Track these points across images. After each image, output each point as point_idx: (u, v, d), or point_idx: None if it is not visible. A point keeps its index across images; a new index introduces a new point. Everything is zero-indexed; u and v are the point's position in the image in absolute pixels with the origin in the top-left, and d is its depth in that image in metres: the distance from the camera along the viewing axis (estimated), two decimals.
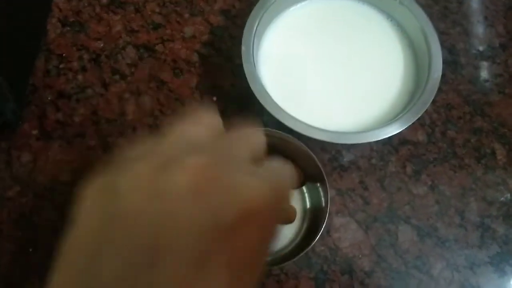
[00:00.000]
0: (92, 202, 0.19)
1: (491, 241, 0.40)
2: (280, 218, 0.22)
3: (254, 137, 0.23)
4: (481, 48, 0.47)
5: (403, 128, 0.36)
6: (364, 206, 0.41)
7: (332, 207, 0.41)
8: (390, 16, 0.42)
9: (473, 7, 0.49)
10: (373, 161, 0.42)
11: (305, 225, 0.38)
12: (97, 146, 0.42)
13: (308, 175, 0.33)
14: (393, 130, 0.36)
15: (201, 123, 0.21)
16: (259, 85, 0.37)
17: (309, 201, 0.39)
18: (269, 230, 0.20)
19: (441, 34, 0.47)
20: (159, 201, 0.17)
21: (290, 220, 0.32)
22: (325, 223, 0.34)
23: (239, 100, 0.43)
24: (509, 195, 0.42)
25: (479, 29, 0.48)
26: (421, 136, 0.43)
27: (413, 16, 0.39)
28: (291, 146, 0.34)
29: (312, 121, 0.38)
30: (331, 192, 0.41)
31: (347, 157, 0.42)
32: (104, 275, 0.17)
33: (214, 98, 0.44)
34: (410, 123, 0.37)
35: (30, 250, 0.38)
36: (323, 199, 0.36)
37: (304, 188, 0.39)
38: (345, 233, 0.40)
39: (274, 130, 0.34)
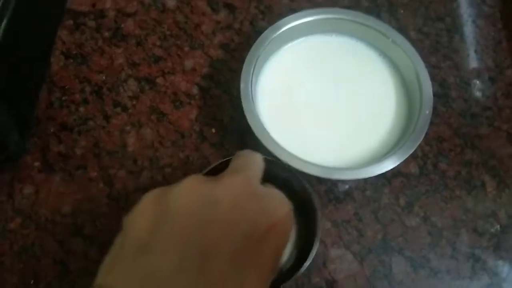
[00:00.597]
0: (145, 206, 0.23)
1: (482, 272, 0.41)
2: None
3: (259, 159, 0.29)
4: (471, 82, 0.49)
5: (396, 164, 0.38)
6: (359, 238, 0.42)
7: (328, 239, 0.42)
8: (383, 53, 0.43)
9: (463, 41, 0.51)
10: (368, 193, 0.43)
11: (295, 252, 0.39)
12: (98, 178, 0.43)
13: (300, 202, 0.36)
14: (387, 166, 0.38)
15: (254, 165, 0.29)
16: (257, 121, 0.39)
17: (302, 228, 0.40)
18: (287, 237, 0.24)
19: (432, 67, 0.49)
20: (205, 208, 0.21)
21: None
22: (316, 249, 0.35)
23: (238, 133, 0.45)
24: (498, 226, 0.43)
25: (469, 63, 0.49)
26: (413, 169, 0.44)
27: (406, 55, 0.41)
28: (286, 174, 0.37)
29: (308, 155, 0.39)
30: (327, 224, 0.42)
31: (342, 189, 0.43)
32: (162, 267, 0.20)
33: (213, 130, 0.45)
34: (403, 159, 0.38)
35: (32, 282, 0.39)
36: (316, 226, 0.37)
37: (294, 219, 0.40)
38: (341, 265, 0.41)
39: (271, 158, 0.36)
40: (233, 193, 0.23)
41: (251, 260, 0.21)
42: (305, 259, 0.35)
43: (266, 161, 0.36)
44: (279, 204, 0.24)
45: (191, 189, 0.23)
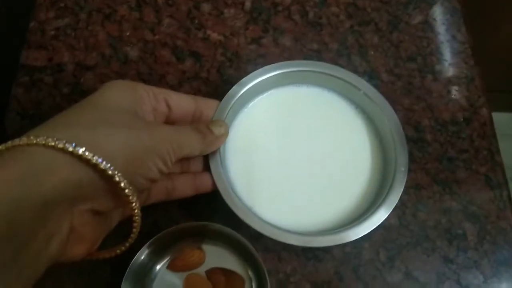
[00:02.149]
0: None
1: None
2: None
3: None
4: (445, 124, 0.47)
5: (375, 226, 0.36)
6: None
7: None
8: (357, 105, 0.42)
9: (436, 80, 0.50)
10: (347, 249, 0.42)
11: None
12: None
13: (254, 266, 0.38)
14: (366, 228, 0.36)
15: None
16: (227, 187, 0.37)
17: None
18: None
19: (406, 110, 0.48)
20: None
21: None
22: None
23: (208, 194, 0.42)
24: (482, 277, 0.42)
25: (443, 104, 0.48)
26: (392, 219, 0.43)
27: (379, 109, 0.39)
28: (234, 236, 0.37)
29: (281, 218, 0.37)
30: (306, 286, 0.40)
31: (321, 247, 0.42)
32: None
33: None
34: (382, 221, 0.36)
35: None
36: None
37: (252, 280, 0.39)
38: None
39: (214, 224, 0.37)
40: None
41: None
42: None
43: (223, 228, 0.37)
44: None
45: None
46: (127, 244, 0.32)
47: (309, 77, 0.41)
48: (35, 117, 0.44)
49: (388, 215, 0.40)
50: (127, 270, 0.35)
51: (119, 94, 0.31)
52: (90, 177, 0.26)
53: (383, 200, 0.37)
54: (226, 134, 0.37)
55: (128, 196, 0.28)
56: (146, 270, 0.38)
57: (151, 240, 0.36)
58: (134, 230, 0.31)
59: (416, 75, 0.50)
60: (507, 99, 1.24)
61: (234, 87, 0.40)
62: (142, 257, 0.37)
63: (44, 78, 0.46)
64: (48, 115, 0.44)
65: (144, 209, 0.41)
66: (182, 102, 0.36)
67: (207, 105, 0.38)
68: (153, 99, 0.33)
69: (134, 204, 0.28)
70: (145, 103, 0.33)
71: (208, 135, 0.35)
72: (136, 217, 0.30)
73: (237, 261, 0.39)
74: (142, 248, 0.36)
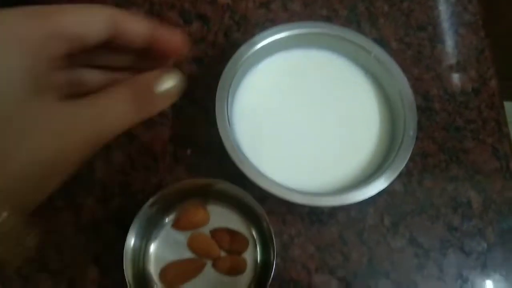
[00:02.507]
0: None
1: None
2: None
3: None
4: (454, 94, 0.47)
5: (382, 188, 0.36)
6: (344, 263, 0.40)
7: (312, 264, 0.40)
8: (367, 70, 0.41)
9: (446, 51, 0.49)
10: (352, 213, 0.42)
11: (255, 278, 0.38)
12: (64, 207, 0.40)
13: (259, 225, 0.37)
14: (372, 190, 0.36)
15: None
16: (234, 144, 0.36)
17: (260, 254, 0.39)
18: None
19: (415, 79, 0.47)
20: None
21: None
22: (271, 276, 0.34)
23: (215, 153, 0.42)
24: (485, 244, 0.42)
25: (452, 74, 0.48)
26: (397, 186, 0.43)
27: (388, 72, 0.39)
28: (239, 195, 0.37)
29: (287, 178, 0.37)
30: (310, 249, 0.40)
31: (325, 210, 0.42)
32: None
33: (189, 152, 0.42)
34: (388, 183, 0.36)
35: None
36: (272, 252, 0.36)
37: (257, 241, 0.39)
38: None
39: (224, 181, 0.36)
40: None
41: None
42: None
43: (228, 186, 0.36)
44: None
45: None
46: None
47: (319, 40, 0.41)
48: None
49: (394, 182, 0.40)
50: (131, 226, 0.35)
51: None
52: None
53: (390, 164, 0.37)
54: (175, 93, 0.25)
55: None
56: (150, 228, 0.38)
57: (155, 196, 0.36)
58: None
59: (426, 45, 0.49)
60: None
61: (242, 46, 0.39)
62: (147, 214, 0.36)
63: None
64: None
65: (149, 169, 0.41)
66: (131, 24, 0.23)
67: (169, 37, 0.25)
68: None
69: None
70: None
71: (145, 97, 0.23)
72: None
73: (242, 222, 0.39)
74: (147, 203, 0.36)
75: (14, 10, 0.19)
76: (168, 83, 0.24)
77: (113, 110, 0.22)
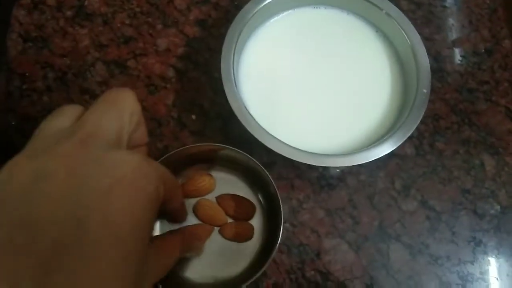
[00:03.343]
0: None
1: (483, 255, 0.39)
2: (158, 195, 0.22)
3: (122, 103, 0.23)
4: (466, 54, 0.46)
5: (393, 148, 0.35)
6: (354, 226, 0.39)
7: (321, 228, 0.39)
8: (377, 28, 0.40)
9: (457, 10, 0.47)
10: (362, 177, 0.41)
11: (262, 242, 0.37)
12: None
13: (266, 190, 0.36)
14: (383, 150, 0.35)
15: (62, 114, 0.22)
16: (241, 105, 0.35)
17: (268, 217, 0.38)
18: (146, 194, 0.20)
19: (426, 40, 0.45)
20: (37, 186, 0.18)
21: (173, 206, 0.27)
22: (279, 240, 0.34)
23: (220, 118, 0.41)
24: (499, 207, 0.41)
25: (464, 34, 0.46)
26: (409, 149, 0.42)
27: (401, 29, 0.37)
28: (246, 161, 0.36)
29: (297, 140, 0.36)
30: (319, 213, 0.39)
31: (334, 174, 0.41)
32: None
33: (193, 117, 0.41)
34: (400, 143, 0.35)
35: None
36: (279, 217, 0.35)
37: (264, 206, 0.38)
38: (336, 256, 0.38)
39: (226, 146, 0.35)
40: (66, 163, 0.19)
41: (96, 227, 0.18)
42: (271, 250, 0.34)
43: (234, 152, 0.35)
44: (123, 159, 0.20)
45: (19, 169, 0.19)
46: None
47: None
48: (38, 40, 0.42)
49: (405, 145, 0.39)
50: None
51: None
52: None
53: (403, 123, 0.35)
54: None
55: None
56: None
57: (159, 161, 0.35)
58: None
59: (437, 4, 0.47)
60: None
61: (247, 4, 0.38)
62: None
63: (46, 0, 0.44)
64: (51, 38, 0.43)
65: (154, 135, 0.40)
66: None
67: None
68: None
69: None
70: None
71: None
72: None
73: (248, 188, 0.38)
74: None
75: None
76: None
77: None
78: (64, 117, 0.22)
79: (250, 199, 0.38)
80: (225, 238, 0.37)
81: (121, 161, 0.20)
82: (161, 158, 0.35)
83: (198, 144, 0.36)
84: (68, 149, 0.20)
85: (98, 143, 0.20)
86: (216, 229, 0.37)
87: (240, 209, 0.38)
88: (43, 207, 0.18)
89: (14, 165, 0.19)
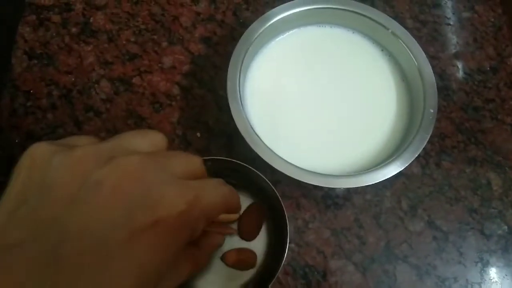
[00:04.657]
0: (26, 166, 0.19)
1: (491, 276, 0.39)
2: (194, 235, 0.21)
3: (191, 158, 0.23)
4: (471, 72, 0.45)
5: (401, 169, 0.34)
6: (360, 247, 0.39)
7: (327, 249, 0.38)
8: (383, 47, 0.40)
9: (462, 28, 0.47)
10: (368, 196, 0.40)
11: (267, 262, 0.36)
12: None
13: (271, 208, 0.36)
14: (390, 171, 0.34)
15: (146, 137, 0.22)
16: (246, 124, 0.35)
17: (274, 236, 0.37)
18: (175, 242, 0.20)
19: (431, 58, 0.45)
20: (83, 189, 0.18)
21: (213, 244, 0.29)
22: (284, 259, 0.33)
23: (225, 136, 0.41)
24: (506, 227, 0.40)
25: (469, 52, 0.46)
26: (415, 168, 0.41)
27: (406, 48, 0.37)
28: (253, 177, 0.35)
29: (303, 160, 0.35)
30: (326, 233, 0.39)
31: (340, 194, 0.40)
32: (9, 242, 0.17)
33: (198, 134, 0.41)
34: (408, 163, 0.35)
35: None
36: (285, 232, 0.34)
37: (270, 225, 0.37)
38: (342, 277, 0.38)
39: (235, 161, 0.35)
40: (118, 175, 0.19)
41: (118, 256, 0.18)
42: (275, 270, 0.33)
43: (239, 166, 0.35)
44: (170, 199, 0.19)
45: (78, 163, 0.19)
46: None
47: (333, 16, 0.39)
48: (43, 57, 0.42)
49: (411, 164, 0.39)
50: None
51: None
52: None
53: (409, 144, 0.35)
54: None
55: None
56: None
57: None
58: None
59: (441, 22, 0.47)
60: None
61: (254, 23, 0.38)
62: None
63: (51, 17, 0.44)
64: (56, 55, 0.43)
65: None
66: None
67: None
68: None
69: None
70: None
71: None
72: None
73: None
74: None
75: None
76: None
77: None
78: (145, 140, 0.22)
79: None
80: (228, 265, 0.36)
81: (171, 197, 0.19)
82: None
83: (202, 158, 0.36)
84: (128, 161, 0.19)
85: (156, 167, 0.20)
86: (218, 256, 0.36)
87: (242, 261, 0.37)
88: (79, 215, 0.18)
89: (77, 159, 0.19)
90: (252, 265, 0.36)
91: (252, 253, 0.37)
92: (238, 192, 0.37)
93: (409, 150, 0.35)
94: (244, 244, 0.37)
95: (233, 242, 0.37)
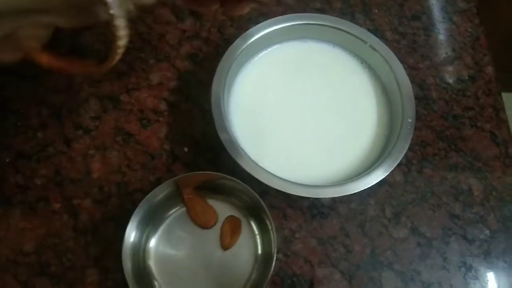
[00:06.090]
0: None
1: (474, 281, 0.40)
2: None
3: None
4: (450, 81, 0.47)
5: (382, 178, 0.36)
6: (346, 255, 0.40)
7: (314, 258, 0.39)
8: (363, 60, 0.41)
9: (440, 39, 0.49)
10: (353, 205, 0.41)
11: (255, 273, 0.37)
12: (61, 209, 0.39)
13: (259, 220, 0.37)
14: (372, 180, 0.36)
15: None
16: (231, 139, 0.36)
17: (261, 248, 0.38)
18: None
19: (411, 69, 0.47)
20: None
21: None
22: (271, 270, 0.34)
23: (212, 149, 0.42)
24: (488, 232, 0.41)
25: (448, 62, 0.48)
26: (398, 176, 0.43)
27: (384, 60, 0.39)
28: (241, 190, 0.36)
29: (287, 172, 0.37)
30: (312, 242, 0.40)
31: (326, 203, 0.41)
32: None
33: (186, 149, 0.42)
34: (388, 172, 0.36)
35: None
36: (273, 243, 0.35)
37: (257, 236, 0.38)
38: (329, 285, 0.39)
39: (222, 174, 0.36)
40: None
41: None
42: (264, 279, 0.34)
43: (227, 179, 0.36)
44: None
45: None
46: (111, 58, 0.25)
47: (314, 31, 0.41)
48: (33, 77, 0.43)
49: (394, 172, 0.40)
50: (129, 222, 0.34)
51: None
52: None
53: (390, 153, 0.36)
54: None
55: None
56: (149, 223, 0.37)
57: (152, 191, 0.35)
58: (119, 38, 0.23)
59: (420, 34, 0.49)
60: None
61: (237, 40, 0.39)
62: (145, 210, 0.35)
63: None
64: (47, 76, 0.43)
65: (147, 168, 0.41)
66: None
67: None
68: None
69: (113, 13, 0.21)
70: None
71: None
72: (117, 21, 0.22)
73: (242, 216, 0.39)
74: (144, 199, 0.35)
75: None
76: None
77: None
78: None
79: (243, 228, 0.38)
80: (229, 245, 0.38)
81: None
82: (153, 190, 0.35)
83: (190, 173, 0.37)
84: None
85: None
86: (203, 266, 0.38)
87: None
88: None
89: None
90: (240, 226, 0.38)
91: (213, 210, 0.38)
92: (226, 205, 0.39)
93: (390, 159, 0.36)
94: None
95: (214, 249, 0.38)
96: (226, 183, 0.37)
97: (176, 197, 0.38)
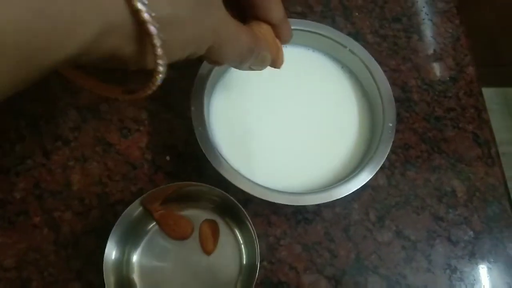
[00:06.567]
0: None
1: (459, 282, 0.40)
2: None
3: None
4: (432, 83, 0.47)
5: (364, 182, 0.35)
6: (331, 260, 0.39)
7: (300, 264, 0.39)
8: (343, 64, 0.41)
9: (421, 40, 0.49)
10: (337, 210, 0.41)
11: (239, 283, 0.37)
12: (42, 223, 0.38)
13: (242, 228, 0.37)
14: (355, 185, 0.35)
15: None
16: (213, 148, 0.35)
17: (246, 257, 0.38)
18: None
19: (392, 71, 0.47)
20: None
21: None
22: (256, 278, 0.34)
23: (194, 158, 0.41)
24: (472, 233, 0.42)
25: (429, 63, 0.48)
26: (381, 180, 0.43)
27: (364, 65, 0.39)
28: (223, 199, 0.36)
29: (270, 179, 0.37)
30: (297, 248, 0.40)
31: (310, 209, 0.41)
32: None
33: (167, 158, 0.41)
34: (371, 176, 0.36)
35: None
36: (257, 252, 0.35)
37: (242, 244, 0.38)
38: None
39: (205, 184, 0.35)
40: None
41: None
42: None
43: (209, 188, 0.35)
44: None
45: None
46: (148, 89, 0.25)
47: (294, 36, 0.40)
48: None
49: (377, 175, 0.40)
50: (109, 236, 0.34)
51: None
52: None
53: (372, 157, 0.36)
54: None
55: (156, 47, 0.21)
56: (131, 236, 0.37)
57: (133, 203, 0.35)
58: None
59: (401, 36, 0.49)
60: (491, 74, 1.24)
61: None
62: (126, 222, 0.35)
63: None
64: None
65: (128, 178, 0.40)
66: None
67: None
68: None
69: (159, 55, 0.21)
70: None
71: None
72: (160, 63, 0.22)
73: (225, 225, 0.38)
74: (125, 211, 0.34)
75: None
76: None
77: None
78: None
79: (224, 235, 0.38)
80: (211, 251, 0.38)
81: None
82: (134, 202, 0.35)
83: (173, 184, 0.36)
84: None
85: None
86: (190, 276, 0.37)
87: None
88: None
89: None
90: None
91: (186, 220, 0.38)
92: (198, 211, 0.38)
93: (372, 164, 0.36)
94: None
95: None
96: (192, 190, 0.37)
97: (148, 215, 0.37)
